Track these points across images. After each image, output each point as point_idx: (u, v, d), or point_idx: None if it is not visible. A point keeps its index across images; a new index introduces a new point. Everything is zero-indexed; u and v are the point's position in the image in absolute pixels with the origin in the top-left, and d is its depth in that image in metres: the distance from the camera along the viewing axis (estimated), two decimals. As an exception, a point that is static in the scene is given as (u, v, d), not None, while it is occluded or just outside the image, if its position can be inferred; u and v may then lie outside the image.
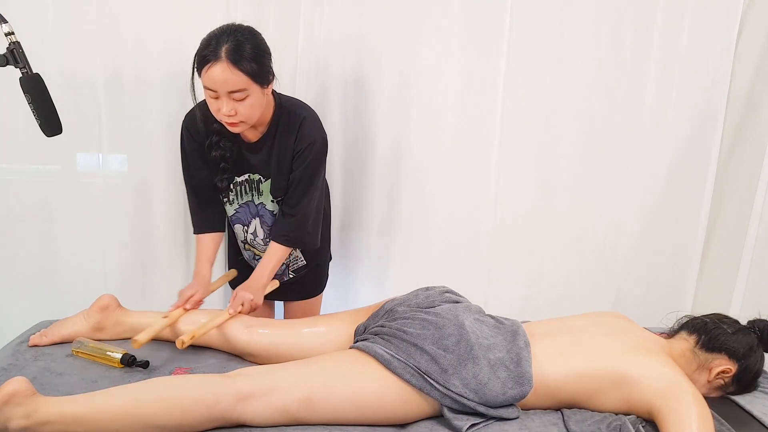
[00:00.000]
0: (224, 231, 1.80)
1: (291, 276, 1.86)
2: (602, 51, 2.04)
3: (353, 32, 1.94)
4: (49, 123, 1.35)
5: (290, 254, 1.82)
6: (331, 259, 2.04)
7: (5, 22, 1.27)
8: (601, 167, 2.15)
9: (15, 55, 1.29)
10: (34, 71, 1.32)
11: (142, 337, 1.45)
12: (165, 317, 1.55)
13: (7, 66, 1.30)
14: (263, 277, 1.67)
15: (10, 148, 1.95)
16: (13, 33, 1.28)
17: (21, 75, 1.31)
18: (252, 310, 1.63)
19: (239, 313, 1.59)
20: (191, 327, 1.53)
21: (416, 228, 2.14)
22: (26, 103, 1.32)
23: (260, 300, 1.65)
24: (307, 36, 1.93)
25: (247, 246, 1.84)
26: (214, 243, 1.75)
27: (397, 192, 2.11)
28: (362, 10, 1.93)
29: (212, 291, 1.72)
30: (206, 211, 1.75)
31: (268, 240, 1.77)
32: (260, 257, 1.82)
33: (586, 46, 2.03)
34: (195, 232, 1.76)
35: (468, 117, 2.05)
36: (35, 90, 1.32)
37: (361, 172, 2.08)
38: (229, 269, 1.98)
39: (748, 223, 2.18)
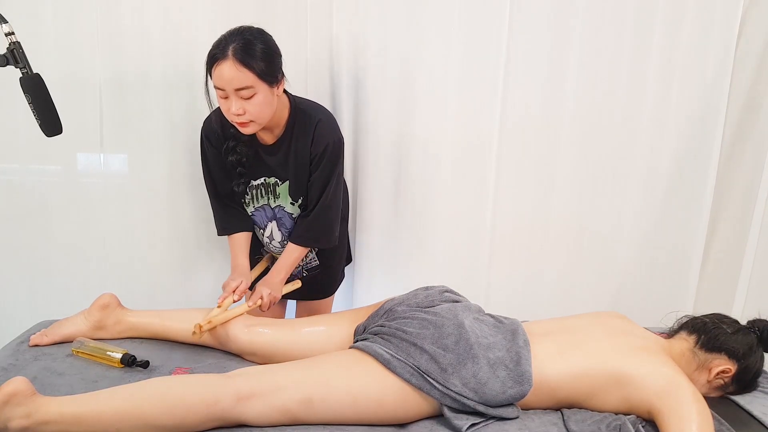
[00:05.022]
0: (251, 230, 1.80)
1: (305, 275, 1.88)
2: (602, 51, 2.03)
3: (356, 35, 1.94)
4: (49, 123, 1.35)
5: (307, 254, 1.83)
6: (351, 261, 2.04)
7: (5, 22, 1.27)
8: (602, 166, 2.15)
9: (15, 55, 1.29)
10: (34, 71, 1.32)
11: (207, 326, 1.51)
12: (219, 306, 1.58)
13: (7, 66, 1.30)
14: (280, 273, 1.71)
15: (10, 148, 1.94)
16: (13, 33, 1.28)
17: (21, 75, 1.31)
18: (271, 304, 1.66)
19: (259, 307, 1.63)
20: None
21: (416, 228, 2.14)
22: (26, 103, 1.32)
23: (278, 294, 1.69)
24: (315, 39, 1.94)
25: (263, 249, 1.86)
26: (246, 238, 1.78)
27: (398, 193, 2.11)
28: (365, 12, 1.93)
29: (252, 279, 1.75)
30: (230, 213, 1.76)
31: (285, 242, 1.78)
32: (276, 258, 1.84)
33: (586, 46, 2.03)
34: (219, 234, 1.78)
35: (468, 117, 2.05)
36: (35, 90, 1.32)
37: (362, 174, 2.08)
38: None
39: (749, 222, 2.18)
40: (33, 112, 1.33)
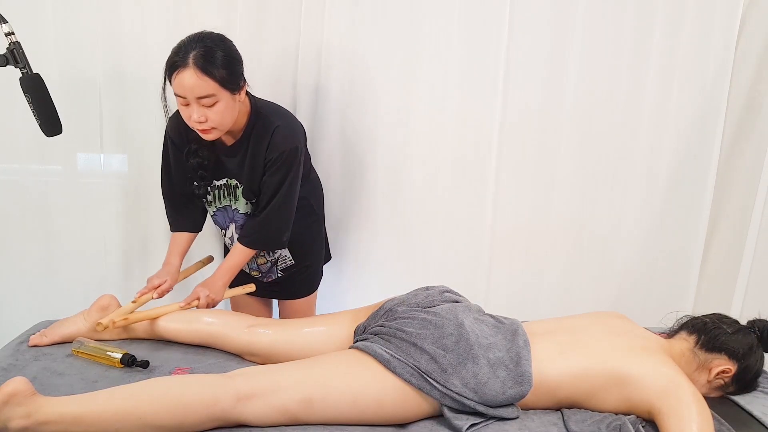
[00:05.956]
0: (199, 231, 1.80)
1: (279, 275, 1.85)
2: (602, 51, 2.03)
3: (353, 37, 1.94)
4: (49, 123, 1.35)
5: (276, 252, 1.81)
6: (330, 259, 2.03)
7: (5, 22, 1.27)
8: (602, 167, 2.15)
9: (15, 55, 1.29)
10: (34, 71, 1.32)
11: (106, 319, 1.50)
12: (133, 302, 1.59)
13: (7, 66, 1.30)
14: (223, 276, 1.69)
15: (10, 148, 1.95)
16: (13, 33, 1.28)
17: (21, 75, 1.31)
18: (209, 306, 1.64)
19: (196, 307, 1.61)
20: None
21: (416, 228, 2.14)
22: (26, 103, 1.32)
23: (219, 297, 1.67)
24: (308, 43, 1.93)
25: (228, 247, 1.85)
26: (188, 239, 1.78)
27: (397, 193, 2.11)
28: (361, 16, 1.93)
29: (181, 280, 1.76)
30: (181, 213, 1.77)
31: None
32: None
33: (586, 47, 2.03)
34: (171, 231, 1.78)
35: (467, 118, 2.05)
36: (35, 90, 1.32)
37: (361, 174, 2.08)
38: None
39: (749, 222, 2.18)
40: (33, 112, 1.33)
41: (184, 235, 1.76)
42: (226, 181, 1.68)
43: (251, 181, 1.66)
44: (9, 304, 2.06)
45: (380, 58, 1.97)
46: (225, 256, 1.95)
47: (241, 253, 1.70)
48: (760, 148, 2.13)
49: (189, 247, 1.78)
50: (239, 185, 1.68)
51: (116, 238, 2.04)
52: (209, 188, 1.71)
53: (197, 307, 1.62)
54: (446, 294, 1.54)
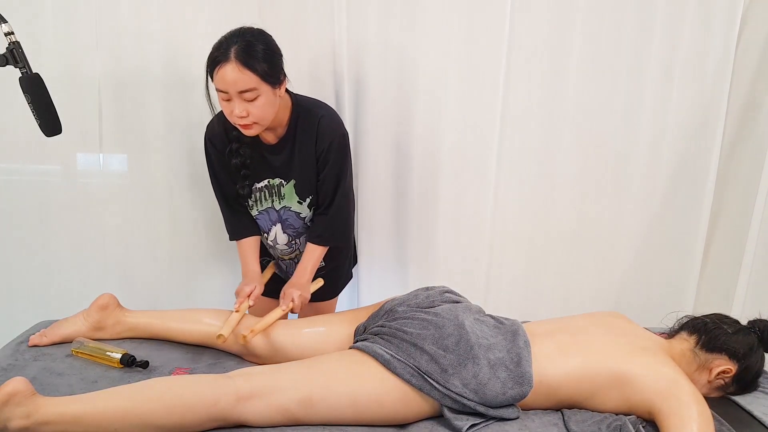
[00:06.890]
0: (260, 234, 1.79)
1: None
2: (603, 50, 2.03)
3: (355, 37, 1.94)
4: (49, 123, 1.35)
5: None
6: (356, 262, 2.03)
7: (5, 21, 1.27)
8: (602, 167, 2.15)
9: (15, 55, 1.29)
10: (34, 71, 1.32)
11: (226, 331, 1.50)
12: (236, 311, 1.58)
13: (7, 66, 1.30)
14: (305, 274, 1.69)
15: (10, 148, 1.94)
16: (12, 33, 1.28)
17: (21, 75, 1.31)
18: (303, 305, 1.64)
19: (291, 310, 1.61)
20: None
21: (417, 228, 2.14)
22: (26, 103, 1.32)
23: (308, 295, 1.68)
24: (312, 44, 1.93)
25: (269, 249, 1.85)
26: (255, 242, 1.77)
27: (399, 193, 2.11)
28: (365, 14, 1.92)
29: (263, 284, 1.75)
30: (239, 217, 1.75)
31: (293, 243, 1.77)
32: (284, 260, 1.84)
33: (587, 46, 2.02)
34: (231, 239, 1.77)
35: (469, 117, 2.05)
36: (35, 90, 1.32)
37: (363, 173, 2.08)
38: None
39: (749, 222, 2.18)
40: (32, 112, 1.33)
41: (251, 240, 1.75)
42: (268, 182, 1.68)
43: (303, 177, 1.65)
44: (9, 304, 2.06)
45: (379, 58, 1.96)
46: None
47: (315, 251, 1.71)
48: (761, 148, 2.12)
49: (258, 250, 1.76)
50: (284, 183, 1.67)
51: (115, 238, 2.04)
52: (251, 190, 1.70)
53: (293, 309, 1.61)
54: (447, 294, 1.54)
